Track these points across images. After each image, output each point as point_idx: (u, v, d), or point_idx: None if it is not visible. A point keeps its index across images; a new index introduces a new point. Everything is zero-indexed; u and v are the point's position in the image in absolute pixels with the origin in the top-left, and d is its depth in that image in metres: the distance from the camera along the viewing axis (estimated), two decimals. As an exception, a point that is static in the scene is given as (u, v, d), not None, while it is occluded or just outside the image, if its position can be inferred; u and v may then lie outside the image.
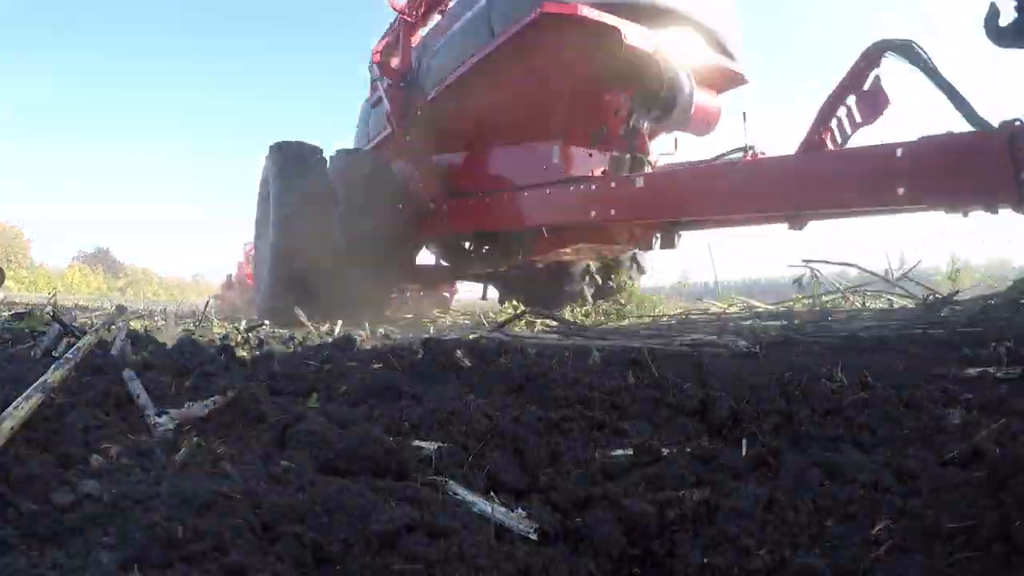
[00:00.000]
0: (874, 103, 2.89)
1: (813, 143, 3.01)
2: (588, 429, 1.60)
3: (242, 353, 2.96)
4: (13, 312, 4.21)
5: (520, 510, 1.07)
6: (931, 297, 4.43)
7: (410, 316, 7.39)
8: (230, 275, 18.39)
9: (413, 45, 6.50)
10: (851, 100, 2.94)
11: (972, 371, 1.97)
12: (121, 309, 3.92)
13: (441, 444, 1.41)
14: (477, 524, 0.98)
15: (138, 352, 2.77)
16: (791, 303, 5.76)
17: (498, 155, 5.68)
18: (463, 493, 1.10)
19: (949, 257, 6.24)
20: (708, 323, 4.55)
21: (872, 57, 2.83)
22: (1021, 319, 3.07)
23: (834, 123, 2.99)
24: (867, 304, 5.40)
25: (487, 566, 0.86)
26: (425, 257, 7.36)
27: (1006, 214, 2.38)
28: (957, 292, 4.52)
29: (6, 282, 13.60)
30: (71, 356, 1.83)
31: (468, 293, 11.15)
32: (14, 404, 1.25)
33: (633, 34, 4.28)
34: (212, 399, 1.65)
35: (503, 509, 1.05)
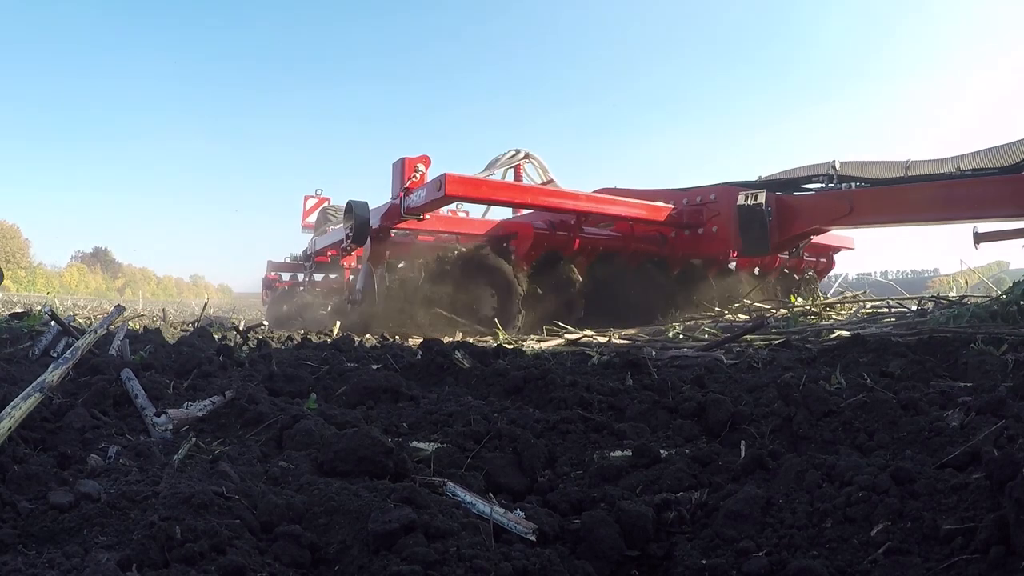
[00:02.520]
0: None
1: None
2: (586, 431, 1.60)
3: (241, 354, 2.95)
4: (12, 312, 4.20)
5: (519, 511, 1.07)
6: (937, 300, 4.43)
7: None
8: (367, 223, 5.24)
9: None
10: None
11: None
12: (120, 309, 3.91)
13: (439, 445, 1.41)
14: (476, 525, 0.97)
15: (137, 352, 2.77)
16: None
17: None
18: (461, 494, 1.10)
19: (959, 260, 6.23)
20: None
21: None
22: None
23: None
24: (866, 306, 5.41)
25: (485, 567, 0.86)
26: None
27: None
28: (964, 297, 4.53)
29: (5, 282, 13.56)
30: (70, 356, 1.83)
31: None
32: (13, 404, 1.25)
33: None
34: (211, 399, 1.65)
35: (502, 510, 1.05)
